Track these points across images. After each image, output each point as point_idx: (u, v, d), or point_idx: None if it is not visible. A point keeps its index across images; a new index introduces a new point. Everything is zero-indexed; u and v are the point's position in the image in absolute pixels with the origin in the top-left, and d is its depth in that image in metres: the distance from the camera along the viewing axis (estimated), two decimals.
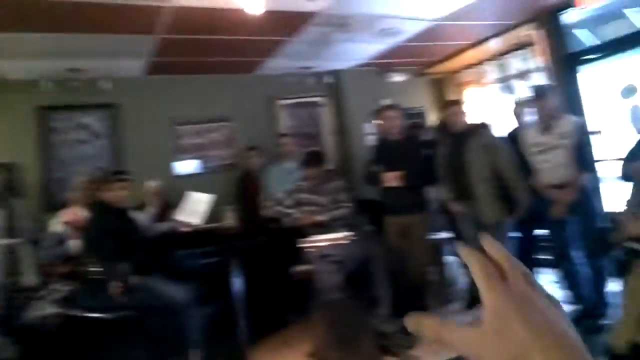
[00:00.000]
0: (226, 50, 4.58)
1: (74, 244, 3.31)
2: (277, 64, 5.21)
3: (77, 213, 3.50)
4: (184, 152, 5.11)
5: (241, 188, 4.72)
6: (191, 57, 4.64)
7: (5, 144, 4.34)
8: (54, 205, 4.34)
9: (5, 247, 3.56)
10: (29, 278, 3.58)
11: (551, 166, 3.28)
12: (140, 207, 3.98)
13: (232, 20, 3.70)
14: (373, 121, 5.40)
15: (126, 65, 4.64)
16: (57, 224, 3.46)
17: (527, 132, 3.55)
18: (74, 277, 3.18)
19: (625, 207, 2.37)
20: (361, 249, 3.29)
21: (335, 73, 5.85)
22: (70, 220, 3.47)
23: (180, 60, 4.68)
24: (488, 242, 0.42)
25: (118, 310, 2.71)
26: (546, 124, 3.35)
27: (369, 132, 5.57)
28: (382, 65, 5.85)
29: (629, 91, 4.25)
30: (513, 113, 4.23)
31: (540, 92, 3.44)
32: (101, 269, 2.84)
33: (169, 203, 4.27)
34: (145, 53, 4.37)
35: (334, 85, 5.89)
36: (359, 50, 5.17)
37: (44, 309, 2.98)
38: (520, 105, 4.30)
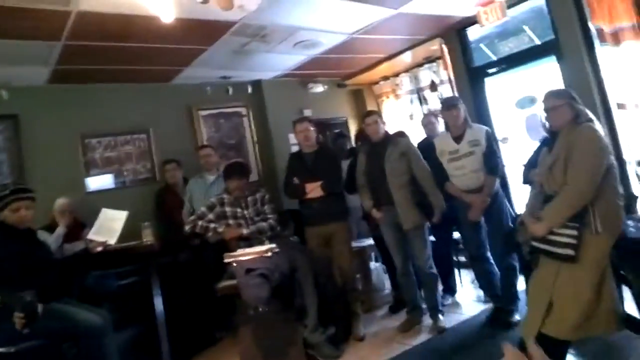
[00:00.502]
0: (140, 58, 4.38)
1: None
2: (196, 73, 5.10)
3: None
4: (95, 167, 4.78)
5: (160, 203, 4.54)
6: (100, 64, 4.39)
7: None
8: None
9: None
10: None
11: (465, 172, 3.53)
12: (49, 227, 3.67)
13: (145, 27, 3.57)
14: (290, 133, 5.47)
15: (27, 73, 4.28)
16: None
17: (440, 140, 3.78)
18: None
19: (526, 209, 2.60)
20: (286, 260, 3.29)
21: (256, 83, 5.84)
22: None
23: (88, 67, 4.40)
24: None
25: (26, 340, 2.48)
26: (457, 132, 3.60)
27: (292, 143, 5.62)
28: (302, 75, 5.95)
29: (525, 102, 4.70)
30: (422, 124, 4.50)
31: (450, 103, 3.68)
32: (2, 297, 2.58)
33: (81, 221, 4.00)
34: (48, 60, 4.06)
35: (255, 95, 5.88)
36: (279, 61, 5.22)
37: None
38: (429, 116, 4.60)
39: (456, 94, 5.04)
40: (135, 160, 5.00)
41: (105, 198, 4.48)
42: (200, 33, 3.98)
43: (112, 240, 3.37)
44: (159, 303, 3.04)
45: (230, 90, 5.68)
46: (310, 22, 4.18)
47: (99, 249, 3.35)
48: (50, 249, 3.16)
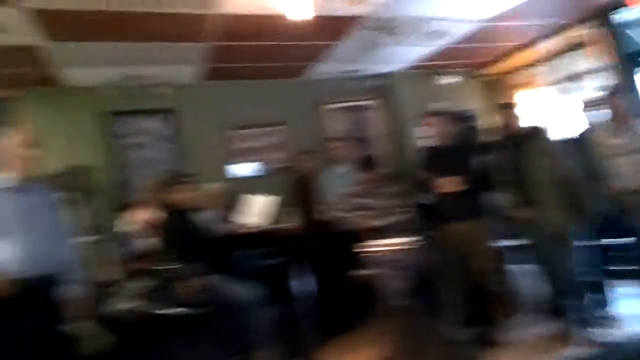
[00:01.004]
0: (273, 56, 4.69)
1: (144, 243, 3.48)
2: (325, 68, 5.29)
3: (145, 214, 3.68)
4: (240, 156, 5.26)
5: (297, 191, 4.81)
6: (241, 62, 4.79)
7: (79, 148, 4.61)
8: (123, 205, 4.60)
9: (86, 244, 3.79)
10: (107, 273, 3.80)
11: (629, 170, 3.16)
12: (204, 209, 4.12)
13: (278, 25, 3.77)
14: (421, 127, 5.39)
15: (182, 71, 4.84)
16: (126, 223, 3.64)
17: (598, 133, 3.42)
18: (146, 274, 3.34)
19: None
20: (424, 255, 3.28)
21: (385, 76, 5.85)
22: (139, 221, 3.65)
23: (232, 66, 4.84)
24: None
25: (187, 307, 2.82)
26: (619, 125, 3.24)
27: (421, 136, 5.55)
28: (431, 67, 5.82)
29: None
30: (579, 114, 4.08)
31: (614, 91, 3.32)
32: (171, 268, 2.95)
33: (231, 205, 4.42)
34: (198, 60, 4.55)
35: (384, 88, 5.90)
36: (408, 53, 5.17)
37: (123, 302, 3.16)
38: (588, 105, 4.14)
39: (615, 83, 4.51)
40: (274, 150, 5.38)
41: (250, 185, 4.90)
42: (331, 29, 4.10)
43: (259, 223, 3.67)
44: (303, 285, 3.24)
45: (360, 84, 5.77)
46: (440, 11, 4.06)
47: (248, 230, 3.68)
48: (207, 229, 3.54)
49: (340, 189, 4.09)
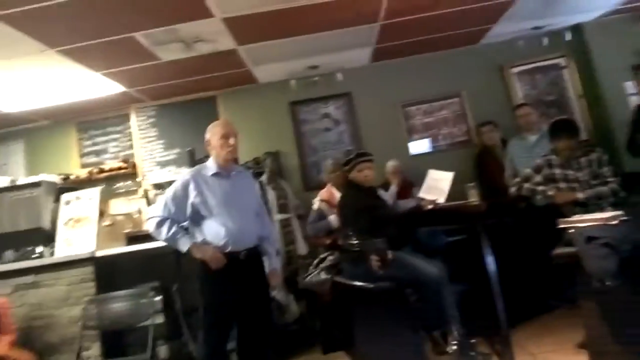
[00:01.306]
0: (449, 24, 4.47)
1: (333, 219, 3.73)
2: (505, 28, 4.84)
3: (331, 192, 3.93)
4: (415, 132, 5.23)
5: (480, 165, 4.57)
6: (412, 37, 4.69)
7: (270, 136, 5.18)
8: (311, 185, 5.05)
9: (281, 221, 4.28)
10: (300, 247, 4.24)
11: None
12: (383, 186, 4.23)
13: None
14: (633, 80, 4.54)
15: (353, 55, 4.96)
16: (317, 202, 3.94)
17: None
18: (336, 248, 3.58)
19: None
20: (632, 230, 2.79)
21: (576, 28, 5.10)
22: (326, 199, 3.92)
23: (403, 42, 4.78)
24: None
25: (377, 281, 2.92)
26: None
27: (630, 93, 4.69)
28: (635, 9, 4.83)
29: None
30: None
31: None
32: (359, 242, 3.08)
33: (409, 181, 4.45)
34: (369, 41, 4.60)
35: (576, 41, 5.14)
36: None
37: (317, 275, 3.45)
38: None
39: None
40: (451, 124, 5.20)
41: (427, 160, 4.84)
42: None
43: (441, 199, 3.60)
44: (490, 262, 3.08)
45: (545, 41, 5.14)
46: None
47: (429, 206, 3.64)
48: (389, 205, 3.60)
49: (531, 160, 3.74)
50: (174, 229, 2.54)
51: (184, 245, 2.52)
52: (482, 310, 3.15)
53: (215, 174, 2.64)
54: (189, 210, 2.57)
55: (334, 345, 3.75)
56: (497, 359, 3.08)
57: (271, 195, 4.38)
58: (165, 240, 2.56)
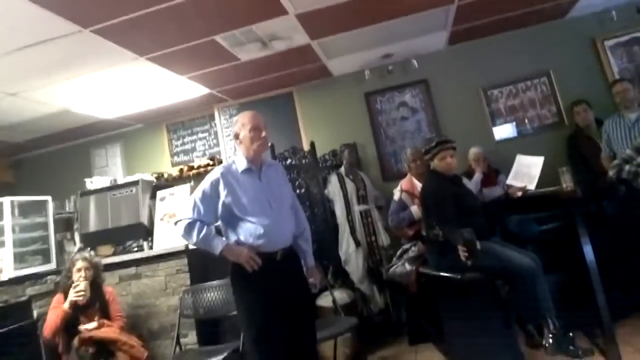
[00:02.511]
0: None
1: (415, 210, 3.67)
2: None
3: (412, 182, 3.86)
4: (499, 116, 4.97)
5: (573, 148, 4.25)
6: (493, 15, 4.44)
7: (346, 128, 5.20)
8: (389, 176, 5.01)
9: (361, 212, 4.29)
10: (382, 238, 4.22)
11: None
12: (467, 173, 4.08)
13: None
14: None
15: (428, 41, 4.82)
16: (397, 192, 3.89)
17: None
18: (419, 239, 3.53)
19: None
20: None
21: None
22: (406, 189, 3.86)
23: (481, 22, 4.55)
24: None
25: (466, 271, 2.82)
26: None
27: None
28: None
29: None
30: None
31: None
32: (445, 232, 2.99)
33: (495, 168, 4.26)
34: (445, 24, 4.44)
35: None
36: None
37: (401, 266, 3.43)
38: None
39: None
40: (538, 105, 4.89)
41: (514, 145, 4.62)
42: None
43: (531, 186, 3.41)
44: (588, 252, 2.86)
45: None
46: None
47: (519, 194, 3.46)
48: (474, 193, 3.47)
49: (631, 140, 3.42)
50: (204, 230, 2.37)
51: (216, 248, 2.35)
52: (581, 303, 2.95)
53: (246, 170, 2.47)
54: (220, 210, 2.41)
55: (422, 336, 3.71)
56: (598, 354, 2.88)
57: (350, 186, 4.40)
58: (196, 243, 2.41)
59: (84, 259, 3.49)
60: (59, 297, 3.39)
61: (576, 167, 3.67)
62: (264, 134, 2.45)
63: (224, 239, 2.43)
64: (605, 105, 4.27)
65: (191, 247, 3.69)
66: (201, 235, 2.36)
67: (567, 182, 3.29)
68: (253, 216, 2.38)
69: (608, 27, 4.75)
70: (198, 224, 2.38)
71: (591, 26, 4.81)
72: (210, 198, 2.41)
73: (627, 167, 3.23)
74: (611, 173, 3.32)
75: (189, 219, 2.39)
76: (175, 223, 2.46)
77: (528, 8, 4.41)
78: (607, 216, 3.42)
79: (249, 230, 2.38)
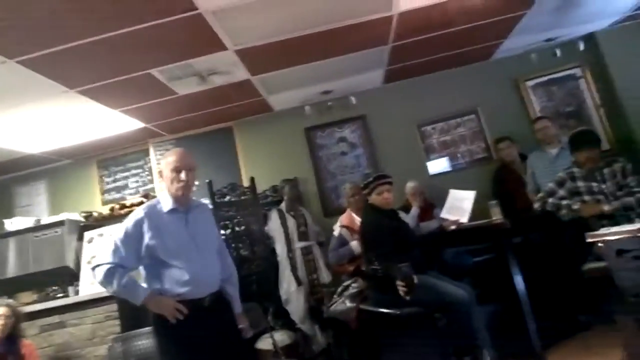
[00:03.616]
0: (461, 40, 4.47)
1: (355, 245, 3.68)
2: (517, 42, 4.82)
3: (351, 217, 3.90)
4: (433, 151, 5.19)
5: (499, 182, 4.49)
6: (425, 56, 4.70)
7: (287, 163, 5.20)
8: (330, 211, 5.03)
9: (302, 249, 4.24)
10: (323, 275, 4.18)
11: None
12: (404, 207, 4.17)
13: (462, 8, 3.62)
14: None
15: (366, 78, 4.99)
16: (337, 228, 3.90)
17: None
18: (360, 275, 3.53)
19: None
20: None
21: (589, 37, 5.04)
22: (346, 224, 3.88)
23: (415, 62, 4.79)
24: None
25: (404, 306, 2.85)
26: None
27: None
28: None
29: None
30: None
31: None
32: (384, 268, 3.01)
33: (430, 202, 4.39)
34: (380, 64, 4.63)
35: (590, 51, 5.07)
36: (614, 3, 4.33)
37: (342, 303, 3.39)
38: None
39: None
40: (469, 141, 5.16)
41: (447, 179, 4.83)
42: None
43: (464, 219, 3.54)
44: (519, 282, 3.00)
45: (559, 52, 5.07)
46: None
47: (453, 227, 3.58)
48: (411, 227, 3.54)
49: (553, 174, 3.67)
50: (125, 278, 2.19)
51: (138, 298, 2.18)
52: (514, 331, 3.05)
53: (171, 210, 2.32)
54: (143, 252, 2.24)
55: None
56: None
57: (291, 222, 4.35)
58: (116, 292, 2.22)
59: (5, 305, 3.19)
60: None
61: (503, 200, 3.87)
62: (182, 176, 2.29)
63: (146, 287, 2.25)
64: (530, 140, 4.56)
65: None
66: (122, 283, 2.18)
67: (496, 215, 3.45)
68: (178, 260, 2.24)
69: (528, 68, 5.15)
70: (119, 269, 2.20)
71: (513, 67, 5.20)
72: (133, 239, 2.24)
73: (550, 200, 3.44)
74: (536, 205, 3.52)
75: (109, 263, 2.20)
76: (93, 268, 2.25)
77: (457, 50, 4.70)
78: (534, 246, 3.61)
79: (174, 278, 2.23)
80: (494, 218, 3.47)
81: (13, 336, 3.19)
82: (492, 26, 4.21)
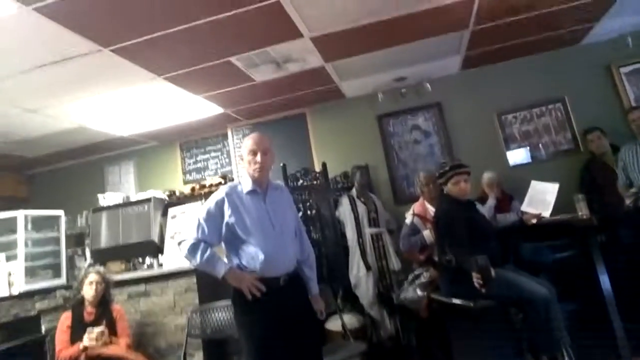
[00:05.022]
0: (547, 25, 4.19)
1: (427, 234, 3.62)
2: (610, 25, 4.43)
3: (424, 206, 3.83)
4: (513, 141, 4.95)
5: (589, 176, 4.20)
6: (508, 41, 4.45)
7: (359, 150, 5.20)
8: (401, 199, 4.98)
9: (372, 235, 4.25)
10: (393, 262, 4.17)
11: None
12: (480, 199, 4.04)
13: None
14: None
15: (442, 64, 4.84)
16: (409, 215, 3.85)
17: None
18: (431, 264, 3.47)
19: None
20: None
21: None
22: (419, 213, 3.82)
23: (496, 47, 4.56)
24: None
25: (479, 299, 2.76)
26: None
27: None
28: None
29: None
30: None
31: None
32: (458, 258, 2.93)
33: (508, 194, 4.21)
34: (459, 49, 4.46)
35: None
36: None
37: (412, 292, 3.37)
38: None
39: None
40: (553, 131, 4.87)
41: (528, 171, 4.59)
42: None
43: (546, 213, 3.35)
44: (605, 281, 2.80)
45: None
46: None
47: (533, 221, 3.40)
48: (489, 219, 3.42)
49: None
50: (208, 252, 2.32)
51: (219, 272, 2.30)
52: (597, 334, 2.86)
53: (250, 192, 2.42)
54: (223, 230, 2.36)
55: None
56: None
57: (361, 208, 4.36)
58: (199, 265, 2.34)
59: (97, 272, 3.52)
60: (66, 316, 3.40)
61: (592, 194, 3.61)
62: (258, 158, 2.38)
63: (227, 262, 2.37)
64: (622, 132, 4.22)
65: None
66: (205, 257, 2.31)
67: (582, 210, 3.23)
68: (255, 238, 2.33)
69: (624, 53, 4.73)
70: (202, 245, 2.33)
71: (607, 53, 4.80)
72: (214, 217, 2.37)
73: None
74: (628, 201, 3.27)
75: (193, 239, 2.34)
76: (179, 243, 2.41)
77: (542, 34, 4.42)
78: (623, 245, 3.35)
79: (250, 254, 2.32)
80: (579, 213, 3.25)
81: (105, 300, 3.50)
82: (583, 7, 3.91)
